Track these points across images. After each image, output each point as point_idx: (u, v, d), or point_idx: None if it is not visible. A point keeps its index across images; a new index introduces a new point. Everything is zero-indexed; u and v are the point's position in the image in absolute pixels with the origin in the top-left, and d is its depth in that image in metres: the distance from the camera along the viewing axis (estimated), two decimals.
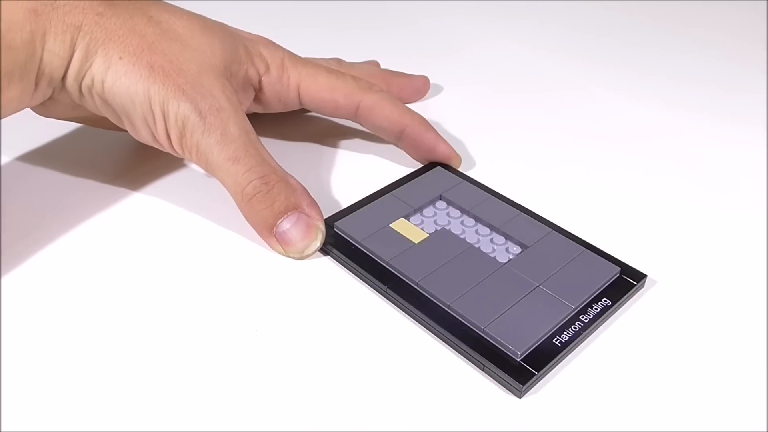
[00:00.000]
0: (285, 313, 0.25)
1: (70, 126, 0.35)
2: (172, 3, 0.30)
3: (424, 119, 0.33)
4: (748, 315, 0.25)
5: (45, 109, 0.28)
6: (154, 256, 0.27)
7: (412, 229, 0.28)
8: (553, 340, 0.23)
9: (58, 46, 0.25)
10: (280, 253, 0.27)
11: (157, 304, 0.25)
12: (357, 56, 0.39)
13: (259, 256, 0.27)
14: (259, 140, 0.28)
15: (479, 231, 0.28)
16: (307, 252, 0.27)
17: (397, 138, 0.33)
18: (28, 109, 0.28)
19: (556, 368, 0.23)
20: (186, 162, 0.33)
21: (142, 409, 0.21)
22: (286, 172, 0.28)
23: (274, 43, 0.33)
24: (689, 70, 0.44)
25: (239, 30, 0.32)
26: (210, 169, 0.27)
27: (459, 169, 0.32)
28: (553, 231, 0.28)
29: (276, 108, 0.33)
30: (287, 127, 0.36)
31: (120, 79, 0.26)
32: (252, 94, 0.31)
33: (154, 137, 0.27)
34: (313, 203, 0.27)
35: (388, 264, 0.26)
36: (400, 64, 0.39)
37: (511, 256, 0.27)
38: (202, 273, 0.26)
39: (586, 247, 0.27)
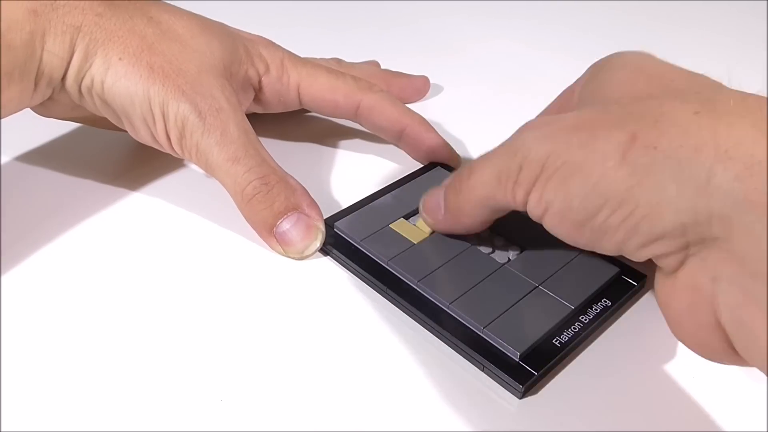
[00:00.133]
0: (285, 313, 0.25)
1: (70, 126, 0.35)
2: (172, 3, 0.30)
3: (424, 119, 0.33)
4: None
5: (45, 109, 0.28)
6: (154, 256, 0.27)
7: (412, 229, 0.28)
8: (553, 341, 0.23)
9: (57, 47, 0.25)
10: (280, 253, 0.27)
11: (157, 304, 0.25)
12: (357, 56, 0.39)
13: (259, 256, 0.27)
14: (259, 140, 0.28)
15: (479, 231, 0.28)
16: (307, 252, 0.27)
17: (397, 138, 0.33)
18: (28, 109, 0.28)
19: (555, 368, 0.23)
20: (186, 162, 0.33)
21: (142, 409, 0.21)
22: (286, 173, 0.28)
23: (273, 44, 0.33)
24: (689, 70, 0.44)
25: (239, 30, 0.32)
26: (210, 170, 0.27)
27: None
28: None
29: (276, 108, 0.33)
30: (287, 127, 0.36)
31: (120, 79, 0.26)
32: (252, 95, 0.31)
33: (153, 138, 0.27)
34: (313, 203, 0.27)
35: (387, 264, 0.26)
36: (400, 64, 0.39)
37: (510, 257, 0.27)
38: (202, 273, 0.26)
39: None
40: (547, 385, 0.22)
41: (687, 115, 0.18)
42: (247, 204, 0.27)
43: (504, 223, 0.28)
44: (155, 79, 0.26)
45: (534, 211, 0.21)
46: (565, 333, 0.23)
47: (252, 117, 0.30)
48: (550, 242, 0.27)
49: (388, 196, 0.30)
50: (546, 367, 0.22)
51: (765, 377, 0.22)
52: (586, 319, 0.24)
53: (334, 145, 0.35)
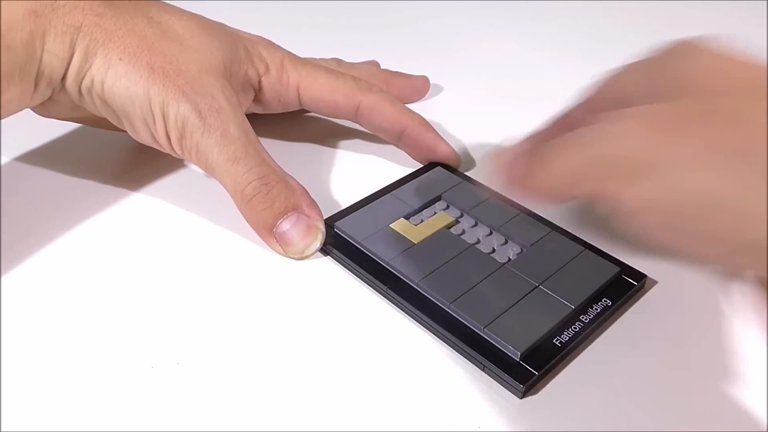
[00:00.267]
0: (285, 313, 0.25)
1: (70, 126, 0.35)
2: (172, 3, 0.30)
3: (424, 119, 0.33)
4: (748, 315, 0.25)
5: (45, 109, 0.28)
6: (154, 256, 0.27)
7: (412, 229, 0.28)
8: (553, 340, 0.23)
9: (57, 47, 0.25)
10: (279, 253, 0.27)
11: (157, 304, 0.25)
12: (357, 56, 0.39)
13: (259, 257, 0.27)
14: (259, 141, 0.28)
15: (479, 231, 0.28)
16: (307, 252, 0.27)
17: (397, 138, 0.33)
18: (28, 109, 0.28)
19: (556, 368, 0.23)
20: (186, 162, 0.33)
21: (143, 409, 0.21)
22: (286, 173, 0.28)
23: (273, 44, 0.33)
24: None
25: (239, 30, 0.32)
26: (210, 170, 0.27)
27: (459, 169, 0.32)
28: (553, 231, 0.28)
29: (276, 108, 0.33)
30: (287, 128, 0.36)
31: (120, 80, 0.26)
32: (252, 95, 0.31)
33: (153, 138, 0.27)
34: (313, 204, 0.27)
35: (388, 264, 0.26)
36: (400, 64, 0.39)
37: (511, 256, 0.27)
38: (202, 273, 0.26)
39: (586, 247, 0.27)
40: (548, 385, 0.22)
41: None
42: (247, 204, 0.27)
43: (504, 223, 0.28)
44: (155, 79, 0.26)
45: (626, 209, 0.19)
46: (565, 333, 0.23)
47: (252, 117, 0.30)
48: (551, 242, 0.27)
49: (388, 196, 0.30)
50: (546, 367, 0.22)
51: (765, 377, 0.23)
52: (586, 319, 0.24)
53: (334, 145, 0.35)
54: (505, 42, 0.47)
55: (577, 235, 0.28)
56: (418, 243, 0.27)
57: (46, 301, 0.25)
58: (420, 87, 0.39)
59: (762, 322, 0.19)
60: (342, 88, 0.32)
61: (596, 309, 0.24)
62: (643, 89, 0.21)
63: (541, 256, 0.26)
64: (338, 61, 0.37)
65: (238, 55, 0.30)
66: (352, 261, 0.26)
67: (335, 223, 0.28)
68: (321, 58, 0.36)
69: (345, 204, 0.30)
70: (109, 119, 0.28)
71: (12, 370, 0.22)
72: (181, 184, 0.31)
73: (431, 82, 0.40)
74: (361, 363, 0.23)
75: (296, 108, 0.33)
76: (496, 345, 0.23)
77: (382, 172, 0.33)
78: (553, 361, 0.22)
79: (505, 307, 0.24)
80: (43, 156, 0.33)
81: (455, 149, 0.32)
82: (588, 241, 0.27)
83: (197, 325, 0.24)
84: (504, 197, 0.30)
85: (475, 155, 0.34)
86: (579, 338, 0.23)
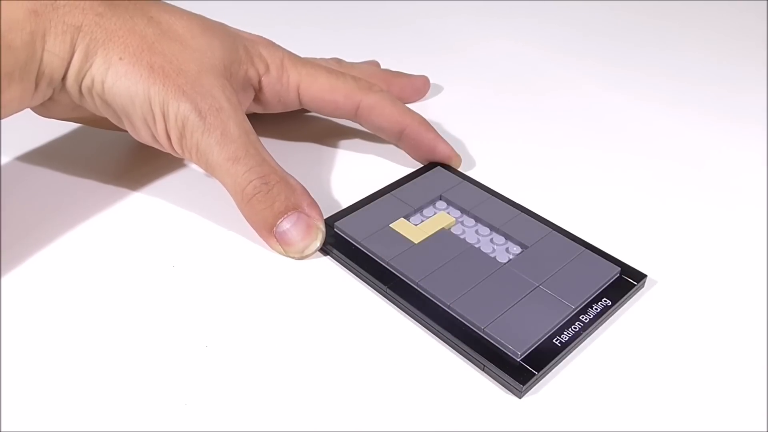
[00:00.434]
0: (285, 313, 0.25)
1: (70, 126, 0.35)
2: (172, 3, 0.30)
3: (424, 119, 0.33)
4: (748, 315, 0.25)
5: (45, 109, 0.28)
6: (154, 256, 0.27)
7: (412, 229, 0.28)
8: (553, 340, 0.23)
9: (58, 47, 0.25)
10: (280, 253, 0.27)
11: (157, 304, 0.25)
12: (357, 56, 0.39)
13: (259, 256, 0.27)
14: (259, 140, 0.28)
15: (479, 231, 0.28)
16: (307, 252, 0.27)
17: (397, 138, 0.33)
18: (28, 109, 0.28)
19: (556, 368, 0.23)
20: (186, 162, 0.33)
21: (143, 409, 0.21)
22: (286, 172, 0.28)
23: (273, 44, 0.33)
24: (690, 70, 0.44)
25: (239, 30, 0.32)
26: (210, 169, 0.27)
27: (459, 169, 0.32)
28: (553, 231, 0.28)
29: (276, 108, 0.33)
30: (287, 127, 0.36)
31: (120, 79, 0.26)
32: (252, 95, 0.31)
33: (154, 137, 0.27)
34: (313, 203, 0.27)
35: (388, 264, 0.26)
36: (400, 64, 0.39)
37: (511, 256, 0.27)
38: (202, 273, 0.26)
39: (586, 247, 0.27)
40: (548, 385, 0.22)
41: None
42: (247, 204, 0.27)
43: (504, 223, 0.28)
44: (155, 78, 0.26)
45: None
46: (565, 333, 0.23)
47: (252, 117, 0.30)
48: (551, 242, 0.27)
49: (388, 196, 0.30)
50: (546, 367, 0.22)
51: (765, 377, 0.23)
52: (586, 319, 0.24)
53: (334, 145, 0.35)
54: (505, 42, 0.47)
55: (577, 235, 0.28)
56: (418, 243, 0.27)
57: (46, 301, 0.25)
58: (420, 87, 0.39)
59: None
60: (342, 88, 0.32)
61: (596, 309, 0.24)
62: None
63: (541, 256, 0.26)
64: (338, 60, 0.37)
65: (238, 55, 0.30)
66: (352, 261, 0.26)
67: (335, 223, 0.28)
68: (321, 58, 0.36)
69: (345, 204, 0.30)
70: (110, 119, 0.28)
71: (12, 370, 0.22)
72: (181, 183, 0.31)
73: (431, 82, 0.40)
74: (362, 363, 0.23)
75: (296, 108, 0.33)
76: (496, 345, 0.23)
77: (382, 172, 0.33)
78: (553, 361, 0.22)
79: (505, 307, 0.24)
80: (43, 156, 0.33)
81: (455, 149, 0.32)
82: (588, 241, 0.27)
83: (197, 324, 0.24)
84: (504, 197, 0.30)
85: (475, 155, 0.34)
86: (579, 338, 0.23)
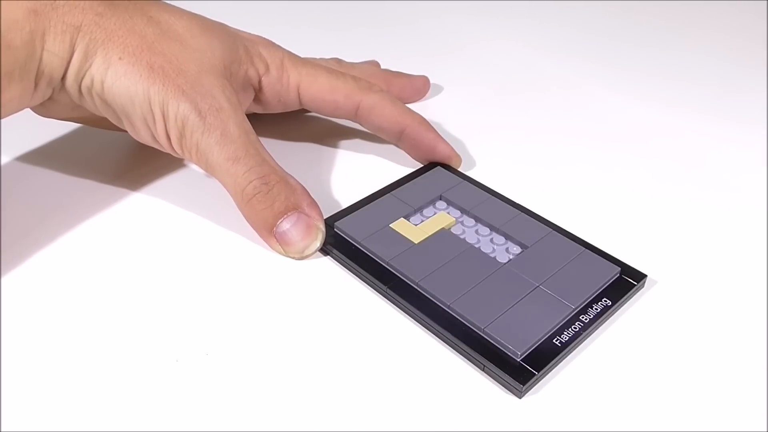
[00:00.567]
0: (285, 313, 0.25)
1: (70, 126, 0.35)
2: (172, 3, 0.30)
3: (424, 119, 0.33)
4: (748, 315, 0.25)
5: (45, 109, 0.28)
6: (154, 256, 0.27)
7: (412, 229, 0.28)
8: (553, 340, 0.23)
9: (57, 46, 0.25)
10: (280, 253, 0.27)
11: (157, 304, 0.25)
12: (357, 56, 0.39)
13: (259, 256, 0.27)
14: (259, 140, 0.28)
15: (479, 231, 0.28)
16: (307, 252, 0.27)
17: (397, 138, 0.33)
18: (28, 109, 0.28)
19: (556, 368, 0.23)
20: (186, 162, 0.33)
21: (143, 409, 0.21)
22: (286, 172, 0.28)
23: (273, 44, 0.33)
24: (689, 70, 0.44)
25: (239, 30, 0.32)
26: (210, 170, 0.27)
27: (459, 169, 0.32)
28: (553, 231, 0.28)
29: (276, 108, 0.33)
30: (287, 127, 0.36)
31: (119, 79, 0.26)
32: (252, 95, 0.31)
33: (153, 137, 0.27)
34: (313, 203, 0.27)
35: (388, 264, 0.26)
36: (400, 64, 0.39)
37: (511, 256, 0.27)
38: (202, 273, 0.26)
39: (586, 247, 0.27)
40: (548, 385, 0.22)
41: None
42: (247, 204, 0.27)
43: (504, 223, 0.28)
44: (155, 78, 0.26)
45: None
46: (565, 333, 0.23)
47: (252, 117, 0.30)
48: (551, 242, 0.27)
49: (388, 196, 0.30)
50: (546, 367, 0.22)
51: (765, 377, 0.23)
52: (586, 319, 0.24)
53: (334, 145, 0.35)
54: (505, 41, 0.47)
55: (577, 235, 0.28)
56: (418, 243, 0.27)
57: (46, 301, 0.25)
58: (420, 87, 0.39)
59: None
60: (342, 88, 0.32)
61: (596, 309, 0.24)
62: None
63: (541, 256, 0.26)
64: (338, 60, 0.37)
65: (238, 55, 0.30)
66: (352, 261, 0.26)
67: (335, 223, 0.28)
68: (321, 58, 0.36)
69: (345, 204, 0.30)
70: (109, 119, 0.28)
71: (12, 370, 0.22)
72: (181, 183, 0.31)
73: (431, 81, 0.40)
74: (362, 363, 0.23)
75: (296, 108, 0.33)
76: (496, 345, 0.23)
77: (382, 172, 0.33)
78: (553, 361, 0.22)
79: (505, 307, 0.24)
80: (43, 156, 0.33)
81: (455, 149, 0.32)
82: (588, 241, 0.27)
83: (197, 324, 0.24)
84: (504, 197, 0.30)
85: (475, 155, 0.34)
86: (579, 338, 0.23)
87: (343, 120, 0.35)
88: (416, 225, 0.28)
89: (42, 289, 0.25)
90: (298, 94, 0.32)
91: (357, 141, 0.35)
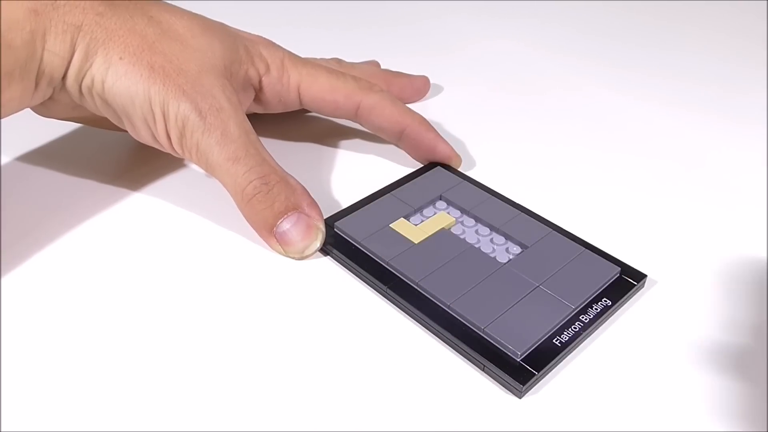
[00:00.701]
0: (285, 313, 0.25)
1: (70, 126, 0.35)
2: (173, 3, 0.30)
3: (424, 119, 0.33)
4: (748, 315, 0.25)
5: (45, 109, 0.28)
6: (154, 256, 0.27)
7: (412, 229, 0.28)
8: (553, 340, 0.23)
9: (58, 46, 0.25)
10: (280, 253, 0.27)
11: (157, 304, 0.25)
12: (357, 56, 0.39)
13: (259, 256, 0.27)
14: (259, 140, 0.28)
15: (479, 231, 0.28)
16: (307, 252, 0.27)
17: (398, 138, 0.33)
18: (28, 109, 0.28)
19: (556, 368, 0.23)
20: (186, 162, 0.33)
21: (143, 409, 0.21)
22: (286, 173, 0.28)
23: (274, 44, 0.33)
24: (689, 70, 0.44)
25: (239, 30, 0.32)
26: (210, 170, 0.27)
27: (459, 169, 0.32)
28: (553, 231, 0.28)
29: (276, 108, 0.33)
30: (287, 127, 0.36)
31: (120, 79, 0.26)
32: (252, 95, 0.31)
33: (154, 137, 0.27)
34: (313, 203, 0.27)
35: (388, 264, 0.26)
36: (400, 64, 0.39)
37: (511, 256, 0.27)
38: (202, 273, 0.26)
39: (586, 247, 0.27)
40: (548, 385, 0.22)
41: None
42: (248, 204, 0.27)
43: (504, 223, 0.28)
44: (156, 78, 0.26)
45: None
46: (565, 333, 0.23)
47: (252, 117, 0.30)
48: (551, 242, 0.27)
49: (388, 196, 0.30)
50: (546, 367, 0.22)
51: (765, 377, 0.23)
52: (586, 319, 0.24)
53: (334, 145, 0.35)
54: (505, 41, 0.47)
55: (577, 235, 0.28)
56: (418, 243, 0.27)
57: (46, 301, 0.25)
58: (420, 87, 0.39)
59: None
60: (342, 88, 0.32)
61: (596, 309, 0.24)
62: None
63: (541, 256, 0.26)
64: (338, 60, 0.37)
65: (238, 55, 0.30)
66: (352, 261, 0.26)
67: (335, 223, 0.28)
68: (321, 58, 0.36)
69: (345, 204, 0.30)
70: (110, 119, 0.28)
71: (12, 370, 0.22)
72: (181, 183, 0.31)
73: (431, 81, 0.40)
74: (361, 363, 0.23)
75: (297, 108, 0.33)
76: (496, 345, 0.23)
77: (382, 172, 0.33)
78: (553, 361, 0.22)
79: (505, 307, 0.24)
80: (43, 156, 0.33)
81: (455, 149, 0.32)
82: (588, 241, 0.27)
83: (198, 324, 0.24)
84: (504, 197, 0.30)
85: (475, 155, 0.34)
86: (579, 338, 0.23)
87: (343, 120, 0.35)
88: (416, 225, 0.28)
89: (42, 289, 0.25)
90: (299, 94, 0.32)
91: (357, 141, 0.35)
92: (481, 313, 0.24)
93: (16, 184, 0.31)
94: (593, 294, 0.25)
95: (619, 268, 0.26)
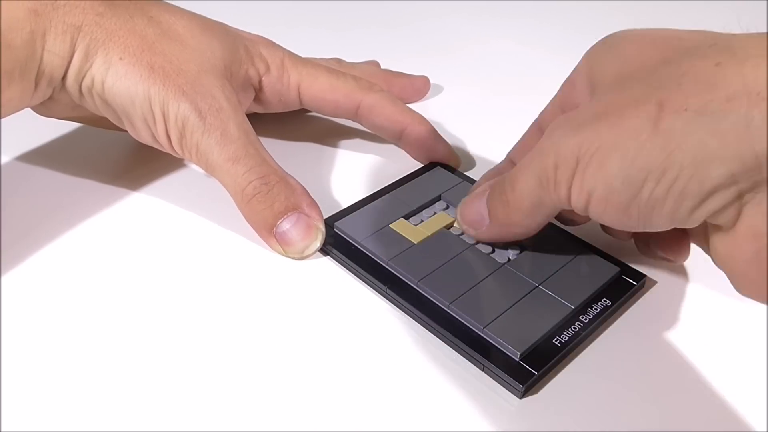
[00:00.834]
0: (285, 313, 0.25)
1: (70, 126, 0.35)
2: (172, 3, 0.30)
3: (424, 119, 0.33)
4: (748, 315, 0.25)
5: (45, 108, 0.28)
6: (154, 256, 0.27)
7: (412, 229, 0.28)
8: (553, 340, 0.23)
9: (58, 46, 0.25)
10: (279, 253, 0.27)
11: (157, 304, 0.25)
12: (357, 56, 0.39)
13: (259, 256, 0.27)
14: (259, 140, 0.28)
15: None
16: (307, 252, 0.27)
17: (398, 138, 0.33)
18: (28, 108, 0.28)
19: (555, 368, 0.23)
20: (186, 162, 0.33)
21: (142, 409, 0.21)
22: (286, 173, 0.28)
23: (274, 43, 0.33)
24: None
25: (239, 30, 0.32)
26: (210, 170, 0.27)
27: (459, 169, 0.32)
28: (553, 231, 0.28)
29: (276, 108, 0.33)
30: (287, 127, 0.36)
31: (120, 79, 0.26)
32: (252, 94, 0.31)
33: (154, 137, 0.27)
34: (313, 203, 0.27)
35: (387, 264, 0.26)
36: (400, 64, 0.39)
37: (510, 256, 0.27)
38: (202, 273, 0.26)
39: (586, 247, 0.27)
40: (547, 385, 0.22)
41: (709, 68, 0.18)
42: (247, 204, 0.27)
43: None
44: (156, 79, 0.26)
45: (578, 204, 0.21)
46: (565, 333, 0.23)
47: (252, 117, 0.30)
48: (551, 242, 0.27)
49: (388, 196, 0.30)
50: (546, 367, 0.22)
51: (765, 377, 0.23)
52: (586, 319, 0.24)
53: (334, 145, 0.35)
54: (505, 41, 0.47)
55: (577, 236, 0.28)
56: (418, 243, 0.27)
57: (46, 301, 0.25)
58: (420, 87, 0.39)
59: (733, 271, 0.21)
60: (342, 88, 0.32)
61: (596, 309, 0.24)
62: (581, 91, 0.24)
63: (541, 256, 0.26)
64: (338, 60, 0.37)
65: (238, 55, 0.30)
66: (352, 261, 0.26)
67: (335, 223, 0.28)
68: (321, 58, 0.36)
69: (345, 204, 0.30)
70: (110, 119, 0.28)
71: (12, 370, 0.22)
72: (181, 183, 0.31)
73: (431, 82, 0.40)
74: (362, 363, 0.23)
75: (297, 107, 0.33)
76: (496, 345, 0.23)
77: (382, 172, 0.33)
78: (553, 361, 0.22)
79: (505, 307, 0.24)
80: (43, 156, 0.33)
81: (455, 149, 0.32)
82: (588, 241, 0.27)
83: (198, 324, 0.24)
84: None
85: (474, 155, 0.34)
86: (579, 338, 0.23)
87: (343, 120, 0.35)
88: (416, 225, 0.28)
89: (42, 289, 0.25)
90: (299, 93, 0.32)
91: (357, 141, 0.35)
92: (481, 313, 0.24)
93: (16, 184, 0.31)
94: (593, 294, 0.25)
95: (619, 269, 0.26)
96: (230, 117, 0.27)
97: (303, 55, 0.33)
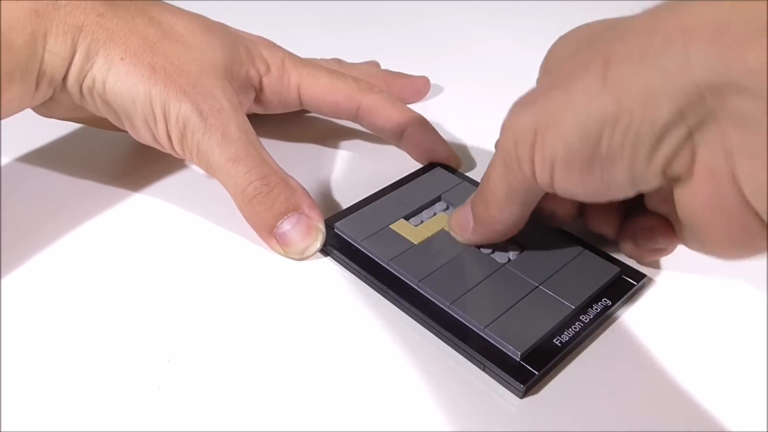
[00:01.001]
0: (285, 313, 0.25)
1: (70, 126, 0.35)
2: (173, 3, 0.30)
3: (424, 120, 0.33)
4: (748, 315, 0.25)
5: (45, 109, 0.28)
6: (154, 256, 0.27)
7: (412, 230, 0.28)
8: (553, 340, 0.23)
9: (59, 47, 0.25)
10: (280, 254, 0.27)
11: (157, 305, 0.25)
12: (357, 56, 0.39)
13: (259, 257, 0.27)
14: (260, 141, 0.28)
15: None
16: (307, 253, 0.27)
17: (398, 138, 0.33)
18: (29, 109, 0.28)
19: (556, 368, 0.23)
20: (186, 163, 0.33)
21: (142, 409, 0.21)
22: (287, 173, 0.28)
23: (274, 44, 0.33)
24: None
25: (240, 31, 0.32)
26: (210, 170, 0.27)
27: (459, 170, 0.33)
28: (553, 231, 0.28)
29: (276, 109, 0.33)
30: (287, 128, 0.36)
31: (121, 80, 0.26)
32: (252, 95, 0.31)
33: (154, 138, 0.27)
34: (313, 204, 0.27)
35: (388, 265, 0.26)
36: (400, 64, 0.39)
37: (510, 257, 0.27)
38: (202, 273, 0.26)
39: (586, 247, 0.27)
40: (548, 385, 0.22)
41: (648, 20, 0.19)
42: (248, 204, 0.27)
43: None
44: (157, 79, 0.26)
45: (543, 177, 0.21)
46: (565, 333, 0.23)
47: (252, 117, 0.30)
48: (551, 242, 0.27)
49: (388, 197, 0.30)
50: (547, 367, 0.22)
51: (765, 377, 0.23)
52: (586, 319, 0.24)
53: (334, 146, 0.35)
54: (505, 42, 0.47)
55: (577, 236, 0.28)
56: (418, 244, 0.27)
57: (46, 302, 0.25)
58: (420, 87, 0.39)
59: (696, 222, 0.20)
60: (343, 89, 0.32)
61: (596, 309, 0.24)
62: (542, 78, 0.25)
63: (541, 256, 0.26)
64: (339, 61, 0.37)
65: (239, 56, 0.30)
66: (352, 262, 0.26)
67: (335, 224, 0.28)
68: (321, 59, 0.36)
69: (345, 204, 0.30)
70: (110, 119, 0.28)
71: (12, 371, 0.22)
72: (181, 184, 0.31)
73: (431, 82, 0.40)
74: (362, 363, 0.23)
75: (297, 108, 0.33)
76: (497, 345, 0.23)
77: (382, 173, 0.33)
78: (553, 361, 0.22)
79: (505, 308, 0.24)
80: (44, 156, 0.33)
81: (455, 149, 0.32)
82: (588, 241, 0.27)
83: (198, 325, 0.24)
84: None
85: (475, 155, 0.34)
86: (579, 338, 0.23)
87: (343, 120, 0.35)
88: (416, 226, 0.28)
89: (42, 290, 0.25)
90: (299, 94, 0.32)
91: (357, 141, 0.35)
92: (481, 313, 0.24)
93: (16, 184, 0.31)
94: (593, 294, 0.25)
95: (619, 269, 0.26)
96: (231, 118, 0.27)
97: (303, 56, 0.33)
